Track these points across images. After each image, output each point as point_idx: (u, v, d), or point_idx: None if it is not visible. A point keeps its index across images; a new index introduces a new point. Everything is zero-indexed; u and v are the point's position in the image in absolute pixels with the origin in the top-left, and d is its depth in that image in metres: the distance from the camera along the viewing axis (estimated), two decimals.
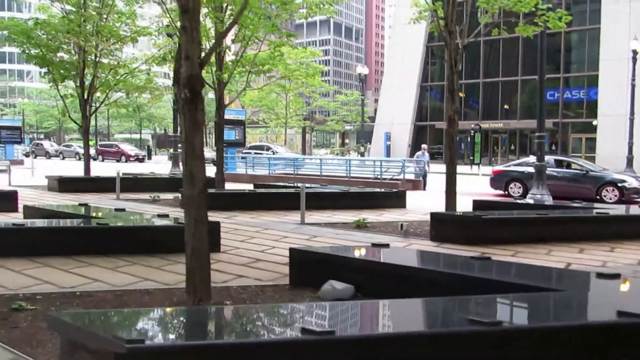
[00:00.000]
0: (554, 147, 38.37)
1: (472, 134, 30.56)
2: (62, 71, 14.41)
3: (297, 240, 7.32)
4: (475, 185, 19.98)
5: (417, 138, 44.41)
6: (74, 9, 14.09)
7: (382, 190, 11.97)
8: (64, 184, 13.46)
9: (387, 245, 5.27)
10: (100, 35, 14.06)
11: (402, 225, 8.04)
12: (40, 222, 6.89)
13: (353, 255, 5.01)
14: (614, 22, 31.44)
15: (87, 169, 15.13)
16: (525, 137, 39.57)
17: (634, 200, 14.35)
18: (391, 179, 15.58)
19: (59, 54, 14.70)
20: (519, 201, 9.62)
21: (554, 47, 38.30)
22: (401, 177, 15.94)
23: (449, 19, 8.40)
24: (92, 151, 40.47)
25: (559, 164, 15.73)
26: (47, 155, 46.82)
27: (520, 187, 15.72)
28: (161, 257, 6.11)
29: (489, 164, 33.86)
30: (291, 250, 5.25)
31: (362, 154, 35.98)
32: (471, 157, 30.42)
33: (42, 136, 72.15)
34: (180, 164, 33.26)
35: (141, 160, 42.83)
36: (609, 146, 31.05)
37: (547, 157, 16.95)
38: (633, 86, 26.13)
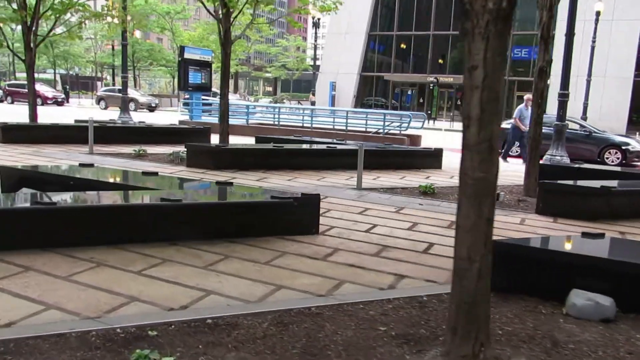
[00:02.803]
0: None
1: (430, 87, 29.74)
2: None
3: (384, 214, 5.83)
4: (448, 141, 19.21)
5: (363, 88, 43.27)
6: None
7: (421, 148, 10.59)
8: (10, 133, 10.78)
9: (601, 235, 3.93)
10: None
11: (498, 195, 6.76)
12: (70, 197, 4.84)
13: (588, 253, 3.60)
14: None
15: (33, 114, 12.34)
16: None
17: (635, 163, 14.10)
18: (399, 134, 14.20)
19: None
20: (584, 165, 8.52)
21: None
22: (399, 131, 14.60)
23: None
24: None
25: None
26: None
27: (519, 147, 14.99)
28: (252, 244, 4.39)
29: (451, 119, 33.50)
30: (497, 244, 3.75)
31: (314, 103, 34.20)
32: (429, 112, 29.73)
33: None
34: (132, 110, 29.60)
35: (60, 103, 38.24)
36: None
37: (548, 115, 16.38)
38: (593, 48, 26.23)
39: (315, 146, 9.36)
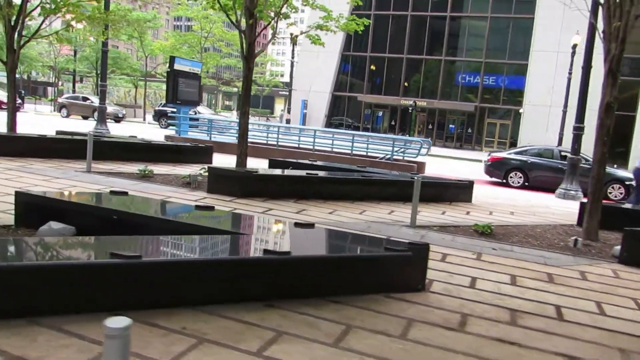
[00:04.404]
0: (469, 131, 39.23)
1: (410, 111, 29.61)
2: None
3: (467, 261, 5.16)
4: (449, 169, 18.88)
5: (334, 108, 42.96)
6: None
7: (454, 180, 10.01)
8: None
9: None
10: None
11: (576, 240, 6.20)
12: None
13: None
14: (550, 14, 32.14)
15: (12, 123, 11.06)
16: (443, 117, 39.93)
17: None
18: (402, 160, 13.60)
19: None
20: None
21: (478, 31, 38.78)
22: (402, 157, 14.05)
23: None
24: None
25: (563, 157, 14.97)
26: None
27: (521, 177, 14.79)
28: (361, 306, 3.60)
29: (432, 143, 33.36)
30: None
31: (288, 121, 33.39)
32: (406, 134, 29.54)
33: None
34: (108, 120, 28.04)
35: (17, 109, 35.84)
36: (532, 134, 32.12)
37: (537, 147, 16.28)
38: (569, 79, 26.76)
39: (349, 175, 8.61)
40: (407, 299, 3.89)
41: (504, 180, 14.93)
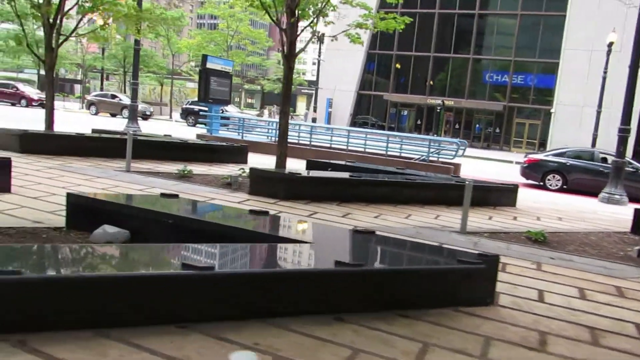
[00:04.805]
0: (497, 131, 38.62)
1: (438, 110, 29.24)
2: None
3: (528, 272, 4.92)
4: (479, 169, 18.51)
5: (358, 107, 42.71)
6: None
7: (498, 183, 9.76)
8: (29, 143, 9.51)
9: None
10: None
11: (639, 251, 5.93)
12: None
13: None
14: (583, 12, 31.37)
15: (50, 121, 11.12)
16: (471, 117, 39.37)
17: None
18: (437, 161, 13.35)
19: None
20: None
21: (507, 29, 38.09)
22: (437, 158, 13.78)
23: None
24: None
25: (603, 159, 14.52)
26: None
27: (559, 180, 14.40)
28: (431, 321, 3.42)
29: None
30: None
31: (314, 120, 33.29)
32: (434, 134, 29.19)
33: None
34: (125, 117, 28.44)
35: (45, 105, 36.39)
36: (563, 135, 31.43)
37: (576, 149, 15.86)
38: (604, 78, 26.09)
39: (392, 178, 8.42)
40: (477, 313, 3.69)
41: (541, 183, 14.56)
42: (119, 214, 4.48)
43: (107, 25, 12.71)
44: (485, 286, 3.82)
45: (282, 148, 8.57)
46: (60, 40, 11.07)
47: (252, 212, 4.61)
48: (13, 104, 35.16)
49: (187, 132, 20.26)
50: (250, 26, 39.33)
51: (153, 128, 24.13)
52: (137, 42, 16.97)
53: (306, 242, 3.62)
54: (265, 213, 4.60)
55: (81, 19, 11.57)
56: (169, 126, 29.59)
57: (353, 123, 41.30)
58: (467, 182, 6.28)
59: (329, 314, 3.36)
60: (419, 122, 40.61)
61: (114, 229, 4.26)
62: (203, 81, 15.21)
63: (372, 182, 7.94)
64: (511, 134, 37.70)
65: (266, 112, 45.33)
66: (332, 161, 10.09)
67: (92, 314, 2.78)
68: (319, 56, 32.37)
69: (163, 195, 5.00)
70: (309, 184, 7.48)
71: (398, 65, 41.82)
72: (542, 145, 35.07)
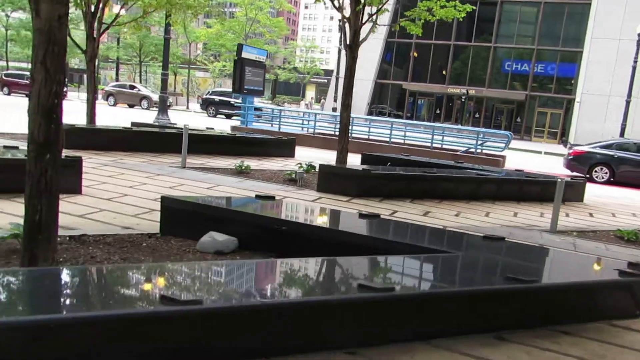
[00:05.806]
0: (518, 120, 38.07)
1: (462, 100, 28.77)
2: None
3: None
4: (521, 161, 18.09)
5: (377, 96, 42.21)
6: None
7: (565, 178, 9.42)
8: (74, 137, 9.21)
9: None
10: None
11: None
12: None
13: None
14: (609, 0, 30.68)
15: (92, 115, 10.83)
16: (491, 106, 38.84)
17: None
18: (481, 153, 13.00)
19: None
20: None
21: (529, 18, 37.40)
22: (480, 150, 13.43)
23: None
24: None
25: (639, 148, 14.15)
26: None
27: (606, 173, 14.01)
28: (594, 338, 3.13)
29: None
30: None
31: (334, 109, 32.85)
32: (459, 123, 28.75)
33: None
34: (145, 108, 28.16)
35: (95, 99, 35.85)
36: (588, 125, 30.89)
37: (623, 140, 15.46)
38: (634, 67, 25.46)
39: (465, 173, 8.11)
40: (633, 327, 3.40)
41: (587, 175, 14.17)
42: (221, 219, 4.19)
43: (147, 14, 12.38)
44: (632, 297, 3.52)
45: (343, 143, 8.26)
46: (102, 30, 10.77)
47: (361, 215, 4.31)
48: (27, 95, 34.92)
49: (209, 123, 19.89)
50: (270, 15, 38.90)
51: (174, 119, 23.85)
52: (167, 30, 16.63)
53: (453, 253, 3.32)
54: (376, 216, 4.30)
55: (122, 7, 11.25)
56: (188, 116, 29.27)
57: (370, 112, 40.85)
58: (558, 180, 5.96)
59: (486, 332, 3.08)
60: (437, 111, 40.12)
61: (222, 237, 3.98)
62: (238, 71, 14.84)
63: (444, 178, 7.63)
64: (532, 123, 37.15)
65: (302, 103, 44.92)
66: (390, 155, 9.77)
67: (255, 343, 2.49)
68: (340, 44, 31.82)
69: (258, 197, 4.72)
70: (382, 181, 7.17)
71: (415, 54, 41.26)
72: (563, 135, 34.54)
